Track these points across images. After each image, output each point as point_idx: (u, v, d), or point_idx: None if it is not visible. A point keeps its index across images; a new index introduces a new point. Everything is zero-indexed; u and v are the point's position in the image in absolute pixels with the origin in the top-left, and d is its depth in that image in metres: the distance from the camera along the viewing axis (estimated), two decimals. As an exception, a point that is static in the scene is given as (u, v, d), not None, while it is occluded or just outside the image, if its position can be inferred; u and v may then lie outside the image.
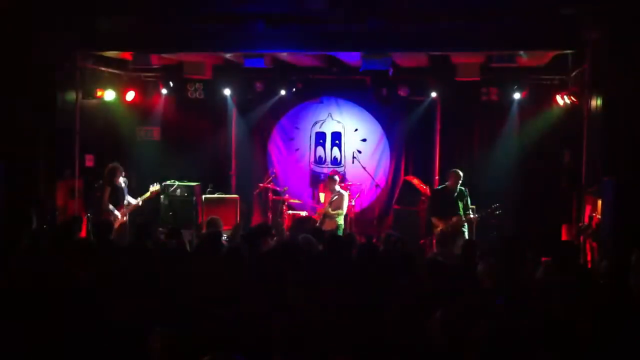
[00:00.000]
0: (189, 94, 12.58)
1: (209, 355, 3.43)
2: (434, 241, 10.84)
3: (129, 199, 10.36)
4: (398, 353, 3.83)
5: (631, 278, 5.70)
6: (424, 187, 12.16)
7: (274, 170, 12.84)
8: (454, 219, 10.24)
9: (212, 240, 7.18)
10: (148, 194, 10.62)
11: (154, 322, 4.18)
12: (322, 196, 12.19)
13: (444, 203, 10.47)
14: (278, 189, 12.47)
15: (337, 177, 11.81)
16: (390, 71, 11.24)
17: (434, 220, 10.45)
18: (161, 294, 5.22)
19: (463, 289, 5.49)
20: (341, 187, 12.22)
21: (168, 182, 12.27)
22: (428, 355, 4.19)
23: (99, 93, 11.19)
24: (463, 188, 10.55)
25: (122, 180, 10.32)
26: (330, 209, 11.27)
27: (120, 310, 4.78)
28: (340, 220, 11.28)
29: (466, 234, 10.38)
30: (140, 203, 10.51)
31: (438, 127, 12.82)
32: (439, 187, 10.94)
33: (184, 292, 5.22)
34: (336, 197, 11.35)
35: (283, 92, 12.65)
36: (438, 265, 6.17)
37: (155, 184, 10.81)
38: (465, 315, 4.39)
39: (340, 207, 11.36)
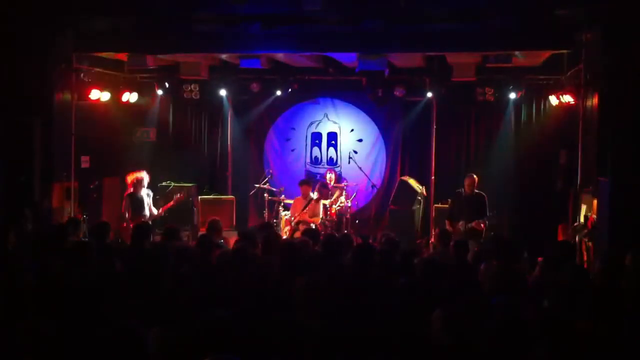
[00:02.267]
0: (185, 95, 12.59)
1: (208, 356, 3.44)
2: (431, 241, 10.91)
3: (152, 209, 10.23)
4: (397, 353, 3.85)
5: (626, 278, 5.72)
6: (420, 188, 12.19)
7: (270, 171, 12.84)
8: (460, 224, 10.19)
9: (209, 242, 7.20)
10: (171, 202, 10.56)
11: (153, 323, 4.19)
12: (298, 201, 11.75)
13: (458, 207, 10.39)
14: (274, 189, 12.47)
15: (311, 182, 11.77)
16: (386, 72, 11.25)
17: (446, 222, 10.42)
18: (160, 294, 5.22)
19: (460, 288, 5.51)
20: (337, 187, 12.23)
21: (164, 183, 12.26)
22: (427, 355, 4.20)
23: (95, 94, 11.16)
24: (481, 193, 10.43)
25: (145, 191, 10.21)
26: (307, 216, 11.21)
27: (119, 311, 4.78)
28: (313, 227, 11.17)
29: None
30: (162, 213, 10.35)
31: (434, 127, 12.85)
32: (458, 190, 10.74)
33: (183, 293, 5.22)
34: (312, 202, 11.30)
35: (279, 93, 12.67)
36: (434, 266, 6.19)
37: (178, 193, 10.80)
38: (464, 314, 4.41)
39: (317, 213, 11.30)
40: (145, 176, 10.26)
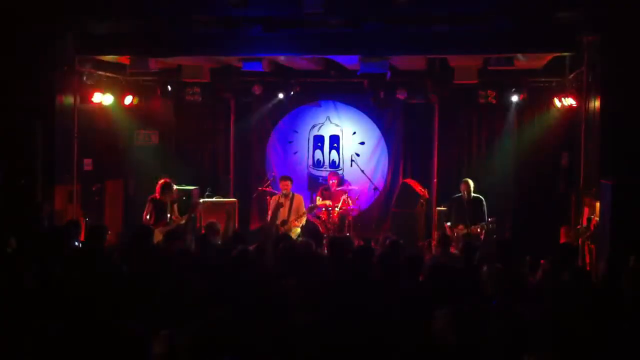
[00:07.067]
0: (187, 98, 12.59)
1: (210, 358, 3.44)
2: (433, 243, 10.93)
3: (177, 216, 10.08)
4: (398, 355, 3.84)
5: (627, 281, 5.70)
6: (422, 190, 12.18)
7: (273, 174, 12.83)
8: (460, 227, 10.36)
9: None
10: (193, 211, 10.44)
11: (156, 325, 4.18)
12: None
13: (456, 211, 10.63)
14: (276, 192, 12.46)
15: (291, 178, 11.40)
16: (388, 74, 11.25)
17: (446, 226, 10.57)
18: (163, 296, 5.22)
19: (464, 291, 5.50)
20: (340, 190, 12.21)
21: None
22: (429, 356, 4.19)
23: (97, 97, 11.16)
24: (479, 197, 10.58)
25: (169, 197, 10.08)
26: (300, 218, 10.95)
27: (122, 313, 4.78)
28: (298, 230, 10.95)
29: None
30: (183, 222, 10.10)
31: (436, 129, 12.86)
32: (456, 195, 10.83)
33: (186, 295, 5.22)
34: (295, 202, 11.07)
35: (281, 96, 12.68)
36: (439, 268, 6.18)
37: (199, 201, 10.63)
38: (469, 314, 4.40)
39: (302, 213, 11.04)
40: (172, 184, 10.15)
